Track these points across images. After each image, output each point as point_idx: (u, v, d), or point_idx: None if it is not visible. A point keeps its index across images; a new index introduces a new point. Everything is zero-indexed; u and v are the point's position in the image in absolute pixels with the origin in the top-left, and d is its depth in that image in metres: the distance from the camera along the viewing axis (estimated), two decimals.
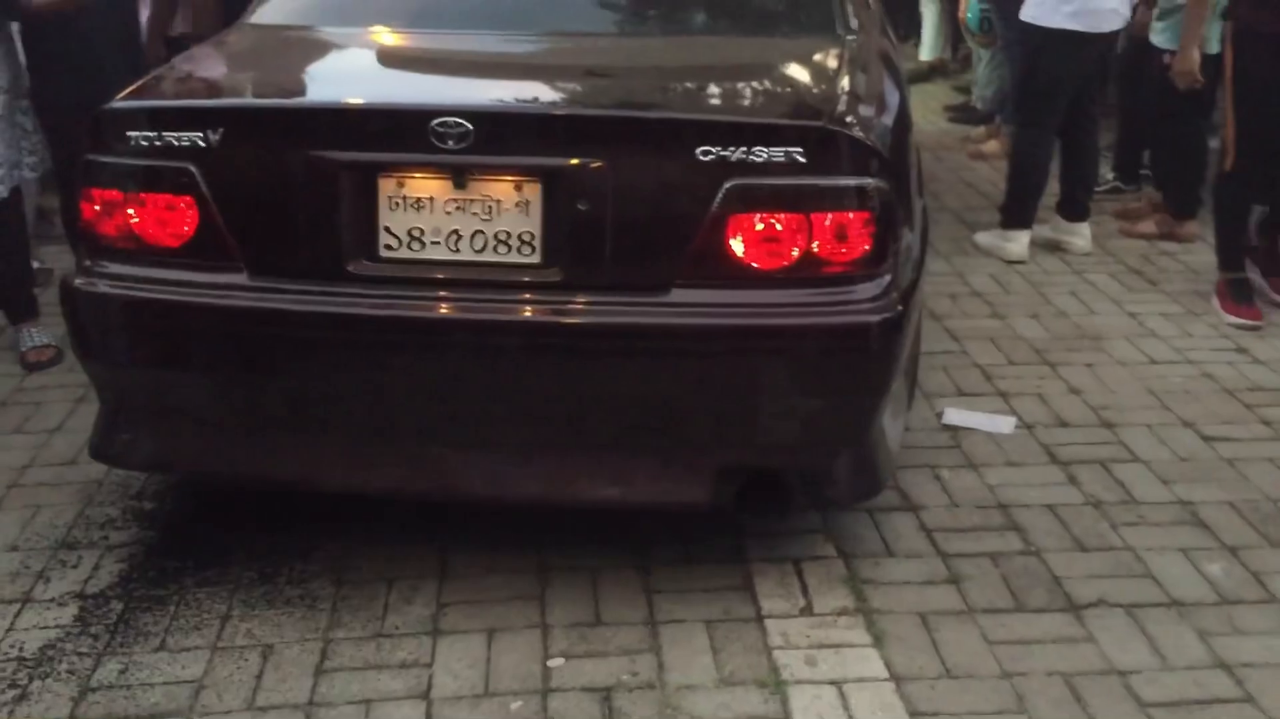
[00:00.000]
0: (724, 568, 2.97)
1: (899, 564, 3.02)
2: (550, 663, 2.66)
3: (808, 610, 2.83)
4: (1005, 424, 3.69)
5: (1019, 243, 5.11)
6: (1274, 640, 2.75)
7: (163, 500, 3.25)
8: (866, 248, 2.60)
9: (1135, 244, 5.28)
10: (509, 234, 2.59)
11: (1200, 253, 5.16)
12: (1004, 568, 3.00)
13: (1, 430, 3.63)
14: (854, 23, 3.24)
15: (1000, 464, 3.48)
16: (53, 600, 2.85)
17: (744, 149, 2.51)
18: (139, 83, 2.88)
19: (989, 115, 7.10)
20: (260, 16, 3.38)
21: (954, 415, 3.73)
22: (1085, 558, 3.05)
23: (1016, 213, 5.13)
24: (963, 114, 7.44)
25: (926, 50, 8.45)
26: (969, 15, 6.87)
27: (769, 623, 2.79)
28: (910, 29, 9.00)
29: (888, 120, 2.84)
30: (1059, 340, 4.32)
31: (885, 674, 2.63)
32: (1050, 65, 4.92)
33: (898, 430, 3.03)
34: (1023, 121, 5.20)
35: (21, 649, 2.69)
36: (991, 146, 6.65)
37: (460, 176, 2.56)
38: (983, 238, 5.25)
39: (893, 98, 3.00)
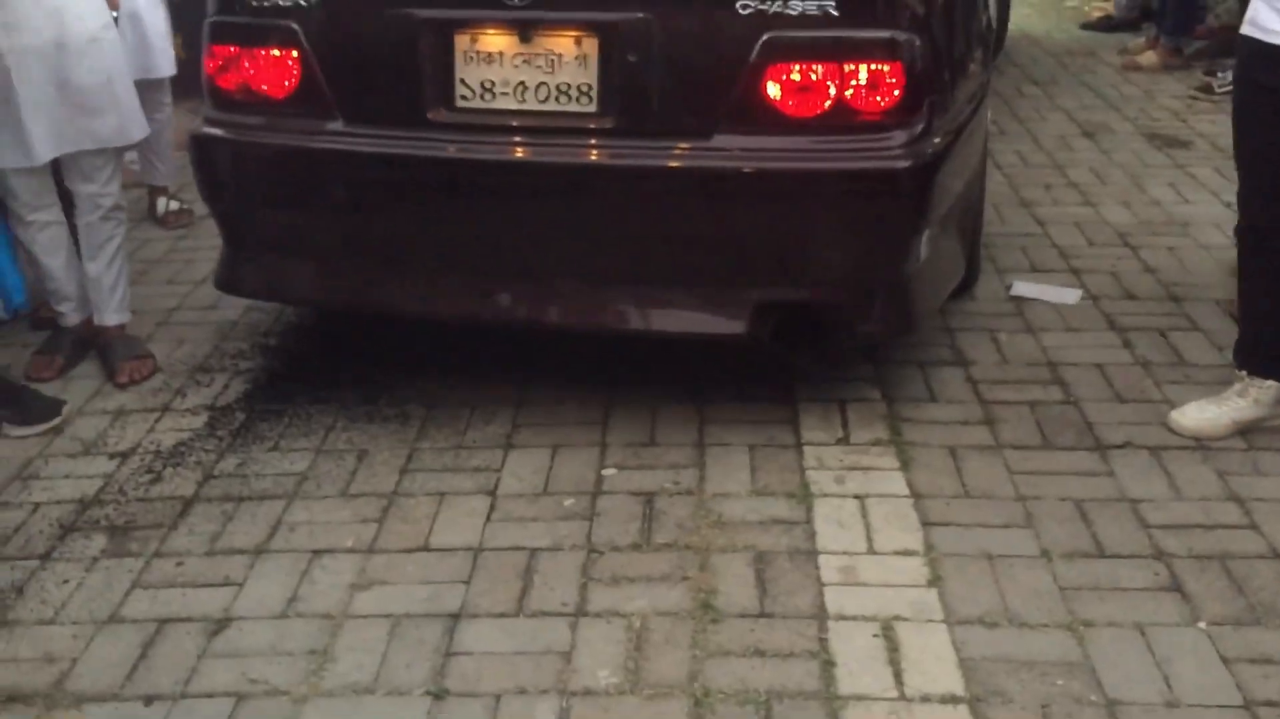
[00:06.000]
0: (774, 405, 3.24)
1: (939, 407, 3.23)
2: (604, 472, 2.98)
3: (844, 441, 3.08)
4: (1071, 295, 3.82)
5: None
6: None
7: (285, 338, 3.70)
8: (897, 97, 2.80)
9: None
10: (569, 85, 2.88)
11: None
12: (1040, 414, 3.18)
13: (156, 281, 4.14)
14: None
15: (1059, 329, 3.63)
16: (187, 410, 3.32)
17: (780, 2, 2.74)
18: None
19: (1126, 22, 7.06)
20: None
21: (1021, 287, 3.88)
22: (1121, 407, 3.20)
23: None
24: (1101, 24, 7.35)
25: None
26: None
27: (806, 449, 3.05)
28: None
29: None
30: (1145, 225, 4.39)
31: (906, 492, 2.87)
32: None
33: (943, 282, 3.23)
34: None
35: (159, 445, 3.16)
36: (1149, 58, 6.39)
37: (526, 32, 2.86)
38: None
39: None
